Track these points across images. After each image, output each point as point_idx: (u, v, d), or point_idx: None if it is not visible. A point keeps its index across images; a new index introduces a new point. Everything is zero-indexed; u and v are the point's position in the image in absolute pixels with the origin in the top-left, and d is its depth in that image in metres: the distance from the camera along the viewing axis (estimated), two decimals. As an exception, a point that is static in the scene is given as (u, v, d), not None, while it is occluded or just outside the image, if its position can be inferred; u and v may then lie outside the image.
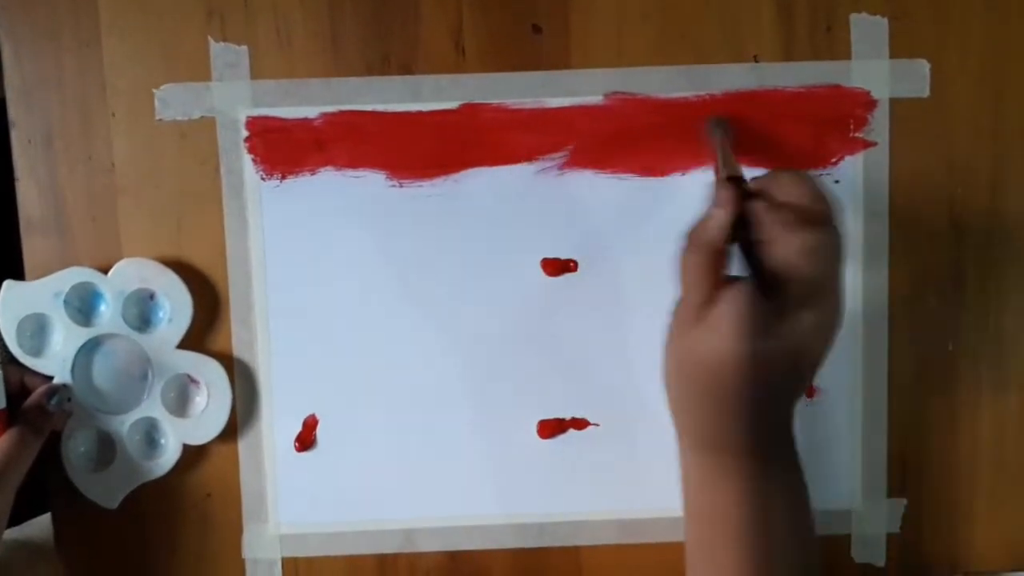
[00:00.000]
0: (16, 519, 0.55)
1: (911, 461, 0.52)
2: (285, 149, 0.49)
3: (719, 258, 0.38)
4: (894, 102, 0.49)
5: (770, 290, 0.37)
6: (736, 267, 0.39)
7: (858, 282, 0.50)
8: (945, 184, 0.50)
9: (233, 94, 0.49)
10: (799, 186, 0.38)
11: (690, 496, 0.41)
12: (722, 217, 0.38)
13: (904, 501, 0.52)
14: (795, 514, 0.40)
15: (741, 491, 0.39)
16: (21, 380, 0.48)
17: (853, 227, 0.50)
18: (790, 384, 0.39)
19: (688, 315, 0.38)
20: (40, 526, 0.55)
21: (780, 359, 0.36)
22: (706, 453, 0.40)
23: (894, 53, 0.49)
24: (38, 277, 0.49)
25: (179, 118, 0.49)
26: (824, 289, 0.37)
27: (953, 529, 0.52)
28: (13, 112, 0.49)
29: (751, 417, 0.38)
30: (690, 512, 0.41)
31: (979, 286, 0.51)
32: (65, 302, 0.48)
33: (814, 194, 0.38)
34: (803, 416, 0.50)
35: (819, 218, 0.37)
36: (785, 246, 0.37)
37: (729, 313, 0.36)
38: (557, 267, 0.50)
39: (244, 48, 0.49)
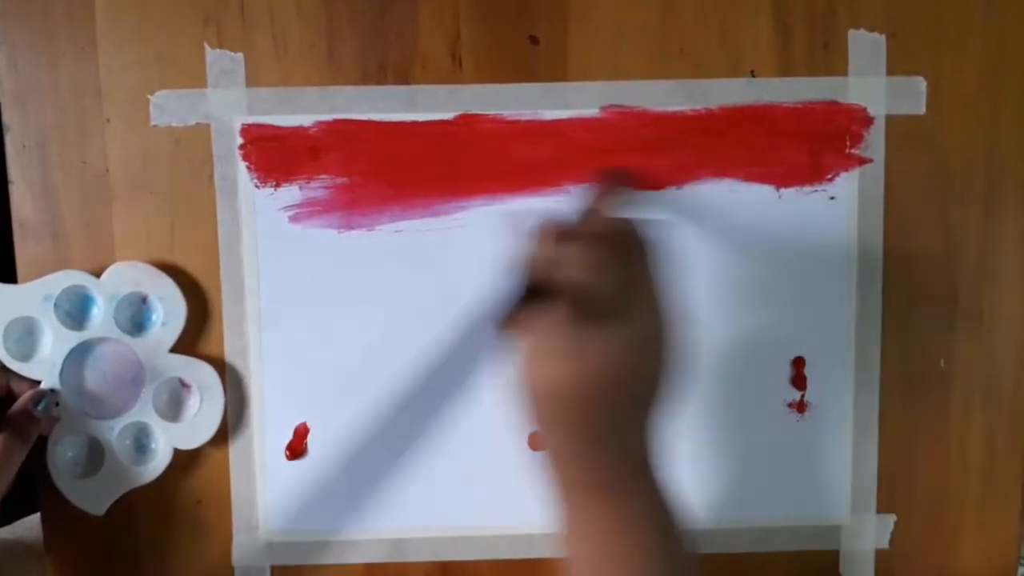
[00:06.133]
0: (8, 517, 0.52)
1: (901, 477, 0.49)
2: (279, 157, 0.46)
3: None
4: (890, 119, 0.46)
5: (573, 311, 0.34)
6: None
7: (852, 298, 0.47)
8: (940, 201, 0.47)
9: (228, 101, 0.46)
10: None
11: (568, 541, 0.37)
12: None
13: (893, 517, 0.49)
14: (666, 539, 0.37)
15: (612, 527, 0.36)
16: (7, 385, 0.45)
17: (847, 243, 0.47)
18: (626, 399, 0.35)
19: (532, 353, 0.35)
20: (31, 526, 0.52)
21: (595, 375, 0.33)
22: (575, 492, 0.36)
23: (891, 70, 0.46)
24: (31, 281, 0.45)
25: (174, 124, 0.46)
26: (625, 299, 0.34)
27: (942, 545, 0.49)
28: (8, 116, 0.46)
29: (599, 442, 0.35)
30: (570, 556, 0.37)
31: (972, 304, 0.48)
32: (55, 305, 0.45)
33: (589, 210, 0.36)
34: (794, 431, 0.48)
35: (585, 230, 0.35)
36: (562, 262, 0.34)
37: (535, 339, 0.34)
38: (550, 279, 0.47)
39: (240, 55, 0.46)
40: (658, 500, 0.37)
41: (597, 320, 0.33)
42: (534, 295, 0.34)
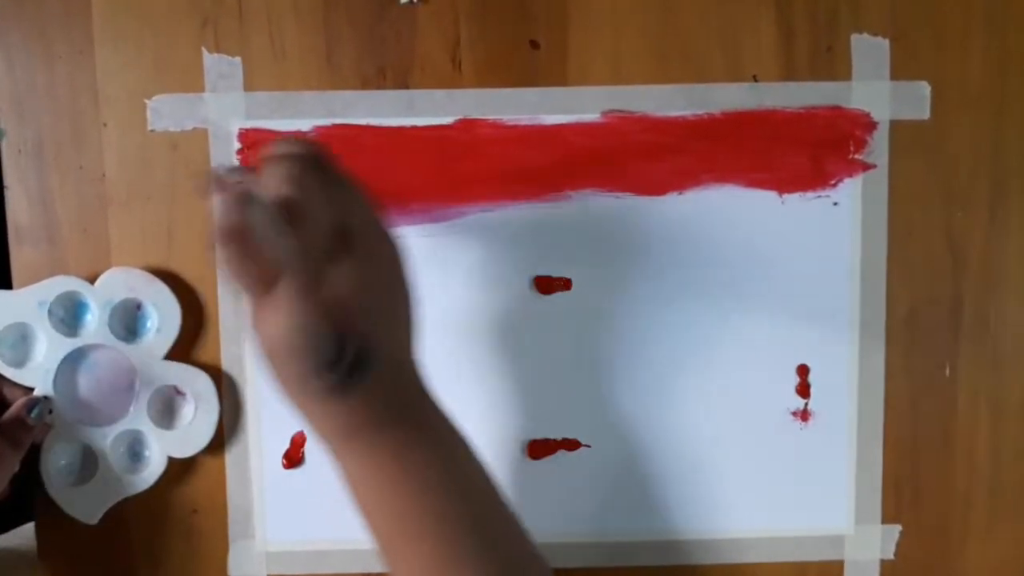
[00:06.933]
0: (2, 526, 0.51)
1: (906, 486, 0.48)
2: (277, 161, 0.45)
3: (244, 246, 0.32)
4: (894, 124, 0.46)
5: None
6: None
7: (856, 304, 0.47)
8: (944, 207, 0.47)
9: (226, 106, 0.45)
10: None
11: (353, 495, 0.36)
12: (221, 206, 0.32)
13: (899, 527, 0.48)
14: (453, 469, 0.36)
15: (384, 469, 0.35)
16: (0, 391, 0.44)
17: (851, 249, 0.46)
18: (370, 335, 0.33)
19: (254, 310, 0.33)
20: (25, 535, 0.51)
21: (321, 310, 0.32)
22: (337, 440, 0.35)
23: (895, 75, 0.46)
24: (26, 286, 0.45)
25: (171, 129, 0.45)
26: (342, 229, 0.33)
27: (948, 556, 0.48)
28: (4, 120, 0.45)
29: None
30: (363, 516, 0.36)
31: (977, 311, 0.47)
32: (49, 312, 0.44)
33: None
34: (797, 439, 0.47)
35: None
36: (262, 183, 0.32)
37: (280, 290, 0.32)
38: (550, 285, 0.46)
39: (238, 59, 0.45)
40: (431, 435, 0.36)
41: (320, 257, 0.32)
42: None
